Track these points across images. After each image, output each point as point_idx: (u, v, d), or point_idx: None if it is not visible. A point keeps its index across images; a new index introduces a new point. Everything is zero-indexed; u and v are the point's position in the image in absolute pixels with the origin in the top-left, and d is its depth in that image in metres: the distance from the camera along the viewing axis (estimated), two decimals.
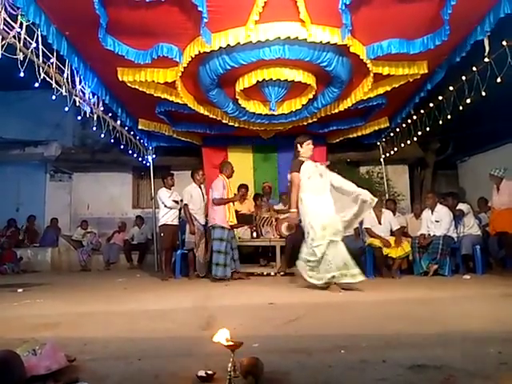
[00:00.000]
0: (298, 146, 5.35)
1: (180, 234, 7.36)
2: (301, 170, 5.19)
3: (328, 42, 5.00)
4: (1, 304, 4.49)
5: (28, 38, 4.36)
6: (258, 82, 5.90)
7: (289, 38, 4.93)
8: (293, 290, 5.33)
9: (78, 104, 5.87)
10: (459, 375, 1.95)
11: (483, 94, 5.35)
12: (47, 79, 5.00)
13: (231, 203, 6.55)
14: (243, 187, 7.93)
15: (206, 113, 7.20)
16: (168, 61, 5.36)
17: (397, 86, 6.28)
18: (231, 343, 1.97)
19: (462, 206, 7.03)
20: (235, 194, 6.75)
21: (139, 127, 8.12)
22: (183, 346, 2.64)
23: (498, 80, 4.98)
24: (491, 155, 9.49)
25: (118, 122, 7.38)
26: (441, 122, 6.83)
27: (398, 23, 4.91)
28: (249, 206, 8.00)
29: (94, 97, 6.20)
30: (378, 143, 9.43)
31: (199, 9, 4.17)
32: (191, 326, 3.19)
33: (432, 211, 6.83)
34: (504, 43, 4.82)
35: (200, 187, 7.00)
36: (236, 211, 7.74)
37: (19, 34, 4.22)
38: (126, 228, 10.10)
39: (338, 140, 9.14)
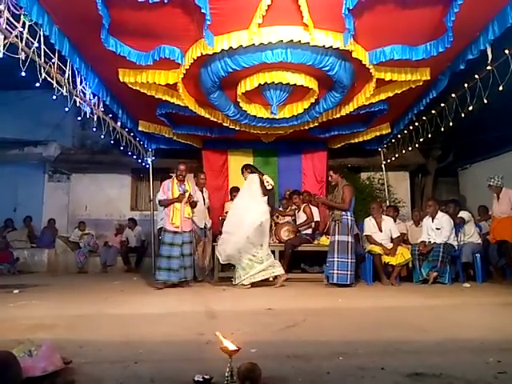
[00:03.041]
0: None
1: None
2: None
3: (331, 47, 4.99)
4: None
5: (30, 38, 4.36)
6: (259, 85, 5.88)
7: (291, 41, 4.93)
8: (291, 296, 5.32)
9: (78, 104, 5.86)
10: None
11: (485, 101, 5.34)
12: (48, 79, 4.99)
13: (175, 204, 6.09)
14: (234, 191, 8.00)
15: (207, 115, 7.19)
16: (170, 63, 5.35)
17: (399, 92, 6.27)
18: (229, 348, 1.96)
19: (463, 214, 7.00)
20: (181, 195, 6.13)
21: (139, 129, 8.12)
22: (180, 350, 2.61)
23: (500, 88, 4.98)
24: (492, 163, 9.48)
25: (118, 124, 7.37)
26: (442, 129, 6.82)
27: (401, 29, 4.91)
28: None
29: (94, 97, 6.20)
30: (380, 149, 9.42)
31: (202, 11, 4.16)
32: (188, 330, 3.17)
33: (433, 219, 6.80)
34: (506, 52, 4.82)
35: (202, 190, 6.97)
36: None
37: (21, 33, 4.21)
38: (123, 230, 10.04)
39: (339, 145, 9.14)
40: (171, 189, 6.20)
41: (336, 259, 5.98)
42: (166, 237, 6.08)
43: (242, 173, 6.62)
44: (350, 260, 5.99)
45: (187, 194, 6.18)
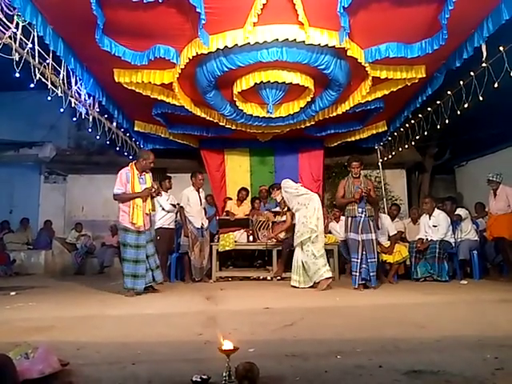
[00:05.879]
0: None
1: (176, 238, 7.32)
2: None
3: (326, 45, 5.00)
4: None
5: (24, 39, 4.34)
6: (255, 84, 5.88)
7: (287, 40, 4.93)
8: (289, 295, 5.32)
9: (73, 105, 5.84)
10: (456, 380, 1.94)
11: (481, 98, 5.35)
12: (43, 80, 4.96)
13: (136, 200, 5.27)
14: (243, 190, 8.16)
15: (203, 115, 7.17)
16: (165, 62, 5.34)
17: (395, 89, 6.28)
18: (226, 348, 1.95)
19: (460, 211, 7.01)
20: (146, 189, 5.36)
21: (135, 129, 8.10)
22: (178, 351, 2.61)
23: (496, 85, 4.99)
24: (489, 160, 9.50)
25: (114, 124, 7.36)
26: (439, 127, 6.83)
27: (396, 27, 4.92)
28: (244, 210, 7.98)
29: (89, 98, 6.18)
30: (376, 147, 9.43)
31: (197, 10, 4.15)
32: (186, 331, 3.17)
33: (430, 216, 6.82)
34: (501, 48, 4.83)
35: (198, 190, 6.94)
36: (230, 213, 7.77)
37: (15, 34, 4.19)
38: (117, 230, 9.95)
39: (335, 144, 9.14)
40: (131, 180, 5.31)
41: (376, 260, 5.70)
42: (129, 237, 5.24)
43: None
44: None
45: (153, 188, 5.42)
